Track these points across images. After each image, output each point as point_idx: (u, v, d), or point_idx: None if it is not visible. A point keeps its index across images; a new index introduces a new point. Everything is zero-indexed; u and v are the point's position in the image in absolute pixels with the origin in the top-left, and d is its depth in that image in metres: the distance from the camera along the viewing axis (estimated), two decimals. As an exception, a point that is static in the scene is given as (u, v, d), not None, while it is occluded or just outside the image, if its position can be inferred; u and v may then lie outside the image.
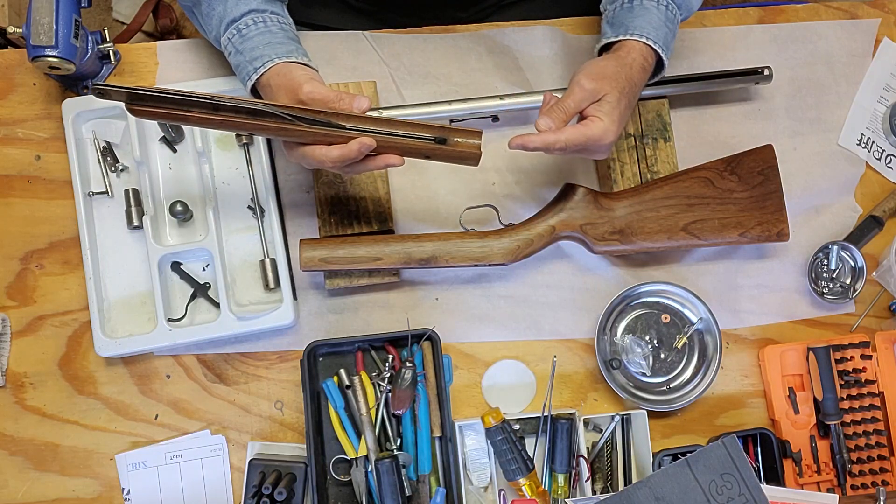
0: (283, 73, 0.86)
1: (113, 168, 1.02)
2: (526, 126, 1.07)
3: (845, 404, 1.02)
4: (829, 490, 1.01)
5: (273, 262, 0.99)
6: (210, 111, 0.80)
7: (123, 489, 0.99)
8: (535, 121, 0.86)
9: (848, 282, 1.07)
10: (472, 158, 0.86)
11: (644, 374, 1.02)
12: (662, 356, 1.03)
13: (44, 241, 1.02)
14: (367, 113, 0.83)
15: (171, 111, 0.79)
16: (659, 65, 0.94)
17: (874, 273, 1.08)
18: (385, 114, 0.99)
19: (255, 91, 0.90)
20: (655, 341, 1.03)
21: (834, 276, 1.07)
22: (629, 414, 1.01)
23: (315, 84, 0.84)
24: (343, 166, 0.83)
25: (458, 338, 1.03)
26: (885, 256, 1.06)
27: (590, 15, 1.09)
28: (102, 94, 0.78)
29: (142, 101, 0.79)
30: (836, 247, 1.06)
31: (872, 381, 1.03)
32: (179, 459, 1.00)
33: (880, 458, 1.02)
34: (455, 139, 0.85)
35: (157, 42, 1.07)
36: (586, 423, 1.01)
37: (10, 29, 0.98)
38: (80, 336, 1.01)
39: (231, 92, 0.97)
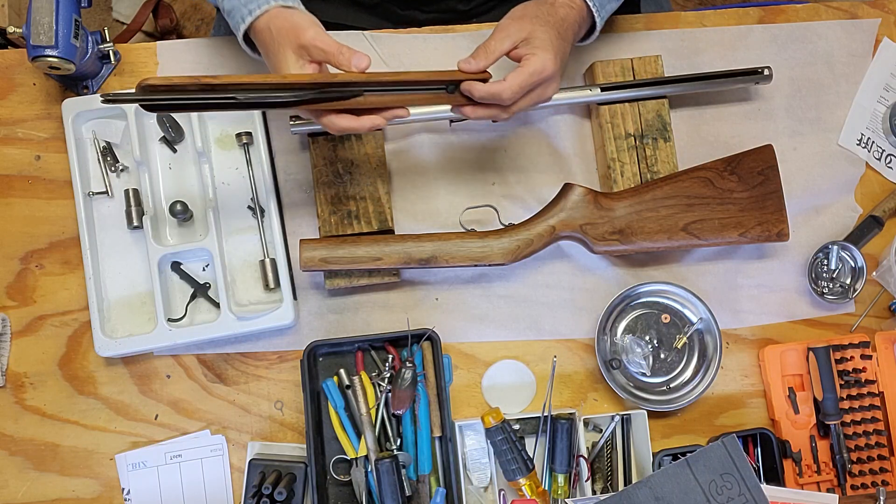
0: (284, 17, 0.84)
1: (113, 168, 1.02)
2: (526, 125, 1.08)
3: (845, 404, 1.02)
4: (829, 490, 1.01)
5: (273, 262, 0.99)
6: (227, 108, 0.79)
7: (123, 489, 0.99)
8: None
9: (848, 282, 1.07)
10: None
11: (644, 374, 1.02)
12: (662, 356, 1.03)
13: (44, 241, 1.02)
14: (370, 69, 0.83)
15: (186, 107, 0.78)
16: (592, 23, 0.95)
17: (874, 273, 1.08)
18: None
19: (247, 38, 0.89)
20: (655, 341, 1.03)
21: (834, 276, 1.07)
22: (629, 414, 1.01)
23: (318, 30, 0.83)
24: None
25: (458, 338, 1.03)
26: (885, 256, 1.06)
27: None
28: (113, 102, 0.76)
29: (156, 104, 0.77)
30: (836, 247, 1.06)
31: (872, 381, 1.03)
32: (179, 459, 1.00)
33: (880, 458, 1.02)
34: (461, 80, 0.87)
35: (157, 42, 1.07)
36: (586, 423, 1.01)
37: (10, 29, 0.98)
38: (80, 336, 1.01)
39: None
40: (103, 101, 0.73)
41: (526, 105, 0.90)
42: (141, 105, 0.76)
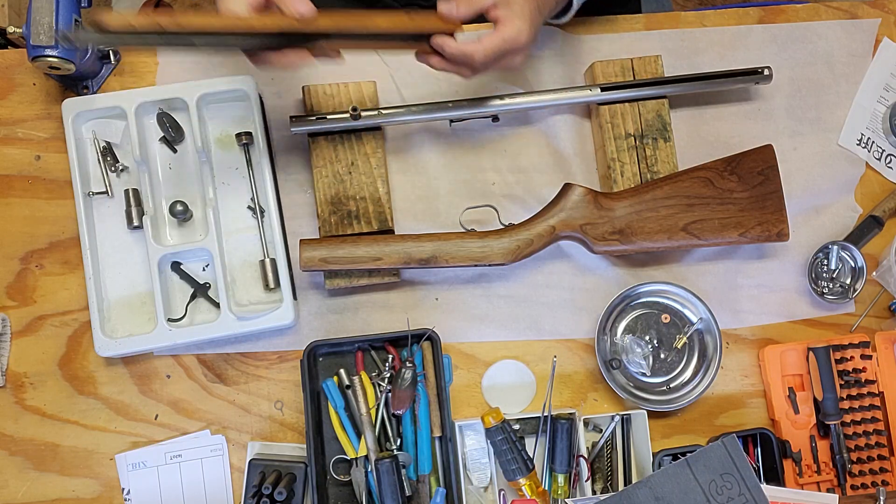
0: None
1: (113, 168, 1.02)
2: (526, 125, 1.08)
3: (845, 404, 1.02)
4: (829, 490, 1.01)
5: (273, 262, 0.99)
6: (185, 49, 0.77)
7: (123, 489, 0.99)
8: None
9: (848, 282, 1.07)
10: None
11: (644, 374, 1.02)
12: (662, 356, 1.03)
13: (44, 241, 1.02)
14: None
15: (143, 44, 0.75)
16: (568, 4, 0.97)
17: (874, 273, 1.08)
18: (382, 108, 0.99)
19: None
20: (655, 341, 1.03)
21: (834, 276, 1.07)
22: (629, 414, 1.01)
23: None
24: None
25: (458, 338, 1.03)
26: (885, 256, 1.06)
27: (590, 15, 1.09)
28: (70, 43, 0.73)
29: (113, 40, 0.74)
30: (836, 247, 1.06)
31: (872, 381, 1.03)
32: (179, 459, 1.00)
33: (880, 458, 1.02)
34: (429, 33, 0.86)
35: (158, 42, 1.07)
36: (586, 423, 1.01)
37: (10, 29, 0.99)
38: (80, 336, 1.01)
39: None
40: (61, 40, 0.70)
41: (491, 69, 0.90)
42: (104, 46, 0.73)
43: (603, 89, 1.02)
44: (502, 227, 0.99)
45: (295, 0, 0.79)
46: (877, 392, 1.03)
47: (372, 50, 0.86)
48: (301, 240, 0.96)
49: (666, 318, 1.03)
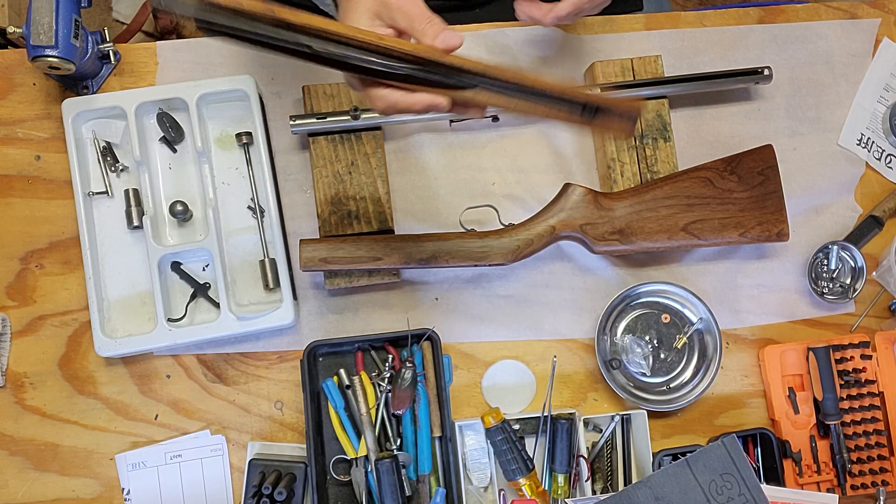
0: None
1: (113, 168, 1.02)
2: (526, 126, 1.07)
3: (845, 404, 1.02)
4: (829, 490, 1.01)
5: (273, 262, 1.00)
6: (296, 55, 0.64)
7: (123, 489, 0.99)
8: None
9: (848, 282, 1.07)
10: (624, 130, 0.74)
11: (644, 374, 1.02)
12: (662, 356, 1.03)
13: (44, 241, 1.02)
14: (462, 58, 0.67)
15: (248, 40, 0.63)
16: None
17: (874, 273, 1.08)
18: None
19: None
20: (655, 341, 1.03)
21: (834, 276, 1.07)
22: (629, 414, 1.01)
23: None
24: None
25: (458, 338, 1.03)
26: (885, 256, 1.06)
27: (589, 15, 1.09)
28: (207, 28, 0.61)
29: (217, 28, 0.63)
30: (836, 247, 1.06)
31: (872, 381, 1.03)
32: (179, 459, 1.00)
33: (880, 458, 1.02)
34: (608, 109, 0.71)
35: (157, 42, 1.07)
36: (586, 423, 1.01)
37: (10, 29, 0.98)
38: (80, 336, 1.01)
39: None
40: (199, 27, 0.61)
41: (587, 8, 0.92)
42: (198, 25, 0.61)
43: (603, 89, 1.02)
44: (502, 227, 0.99)
45: (442, 31, 0.65)
46: (877, 392, 1.03)
47: (525, 115, 0.73)
48: (301, 240, 0.96)
49: (666, 318, 1.03)
